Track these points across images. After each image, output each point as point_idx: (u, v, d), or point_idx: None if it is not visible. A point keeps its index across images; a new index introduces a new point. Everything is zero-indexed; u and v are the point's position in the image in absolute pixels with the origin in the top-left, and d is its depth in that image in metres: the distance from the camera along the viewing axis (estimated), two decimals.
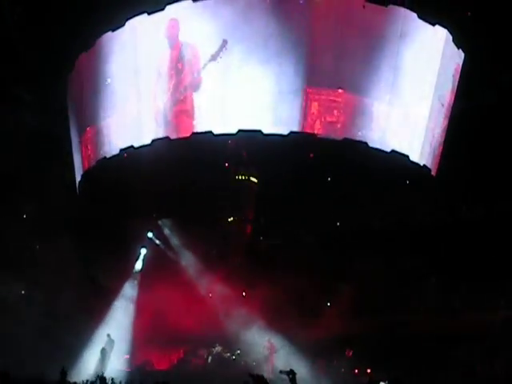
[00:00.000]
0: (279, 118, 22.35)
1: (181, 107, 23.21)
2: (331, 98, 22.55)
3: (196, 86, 22.86)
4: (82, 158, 26.71)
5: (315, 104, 22.48)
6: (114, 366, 28.86)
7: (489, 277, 27.96)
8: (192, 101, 22.99)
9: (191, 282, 32.40)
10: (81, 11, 24.43)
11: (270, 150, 24.29)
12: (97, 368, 27.74)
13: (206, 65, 22.47)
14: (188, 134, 23.05)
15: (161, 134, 23.61)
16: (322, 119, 22.55)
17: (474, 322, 27.89)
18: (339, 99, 22.63)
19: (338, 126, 22.72)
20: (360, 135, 22.84)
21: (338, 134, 22.64)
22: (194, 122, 23.00)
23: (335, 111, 22.64)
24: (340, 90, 22.56)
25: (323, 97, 22.50)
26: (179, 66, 23.14)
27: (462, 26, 24.38)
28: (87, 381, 22.19)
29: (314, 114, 22.49)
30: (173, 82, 23.30)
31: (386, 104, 23.24)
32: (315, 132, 22.50)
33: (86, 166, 26.41)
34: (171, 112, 23.35)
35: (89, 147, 26.14)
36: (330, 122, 22.64)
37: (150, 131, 23.93)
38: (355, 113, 22.84)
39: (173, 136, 23.38)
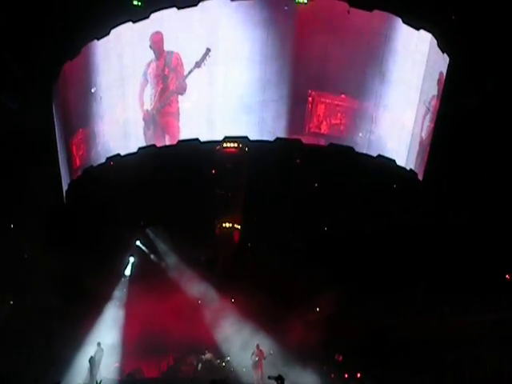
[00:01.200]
0: (265, 124, 22.47)
1: (167, 110, 23.65)
2: (335, 102, 23.09)
3: (181, 91, 23.21)
4: (73, 157, 26.73)
5: (321, 106, 23.05)
6: (104, 375, 28.75)
7: (477, 280, 27.98)
8: (178, 104, 23.45)
9: (180, 289, 32.30)
10: (66, 19, 24.37)
11: (256, 156, 24.44)
12: (86, 377, 27.59)
13: (190, 72, 22.72)
14: (175, 138, 23.36)
15: (149, 137, 23.82)
16: (328, 121, 23.09)
17: (463, 326, 27.94)
18: (342, 103, 23.08)
19: (342, 127, 23.35)
20: (361, 136, 23.41)
21: (342, 135, 23.31)
22: (180, 124, 23.42)
23: (339, 114, 23.16)
24: (343, 95, 22.89)
25: (328, 100, 23.01)
26: (166, 72, 23.41)
27: (447, 31, 24.44)
28: None
29: (320, 115, 23.02)
30: (160, 87, 23.62)
31: (372, 108, 23.43)
32: (322, 132, 22.98)
33: (78, 164, 26.45)
34: (159, 114, 23.78)
35: (81, 147, 26.23)
36: (335, 124, 23.22)
37: (137, 139, 24.03)
38: (356, 116, 23.46)
39: (160, 140, 23.71)
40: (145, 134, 23.98)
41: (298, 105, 22.75)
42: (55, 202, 28.52)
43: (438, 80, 25.38)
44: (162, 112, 23.64)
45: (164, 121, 23.67)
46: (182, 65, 22.98)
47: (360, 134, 23.42)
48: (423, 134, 25.68)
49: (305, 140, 22.88)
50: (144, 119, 23.93)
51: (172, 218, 30.14)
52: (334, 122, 23.14)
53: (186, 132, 23.26)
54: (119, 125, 24.61)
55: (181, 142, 23.19)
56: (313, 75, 22.81)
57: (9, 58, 26.26)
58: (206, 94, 22.88)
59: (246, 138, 22.79)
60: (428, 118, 25.62)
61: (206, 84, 22.77)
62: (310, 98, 22.72)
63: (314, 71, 22.77)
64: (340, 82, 23.13)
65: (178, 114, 23.34)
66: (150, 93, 23.80)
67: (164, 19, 22.93)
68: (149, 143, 23.85)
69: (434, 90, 25.34)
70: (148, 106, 23.87)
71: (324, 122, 22.97)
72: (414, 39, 23.93)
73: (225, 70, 22.59)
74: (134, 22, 23.38)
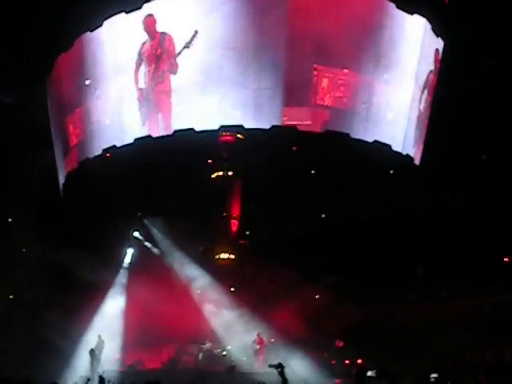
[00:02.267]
0: (260, 112, 22.50)
1: (160, 87, 23.62)
2: (338, 76, 23.16)
3: (173, 70, 23.24)
4: (69, 137, 26.68)
5: (326, 80, 23.07)
6: (105, 367, 28.90)
7: (476, 264, 28.03)
8: (169, 82, 23.43)
9: (179, 279, 32.41)
10: (58, 12, 24.29)
11: (253, 144, 24.47)
12: (87, 369, 27.65)
13: (181, 52, 22.72)
14: (168, 116, 23.53)
15: (143, 116, 23.93)
16: (332, 94, 23.22)
17: (461, 310, 27.98)
18: (345, 77, 23.21)
19: (345, 100, 23.47)
20: (363, 107, 23.59)
21: (345, 107, 23.41)
22: (172, 100, 23.39)
23: (342, 88, 23.30)
24: (345, 70, 23.13)
25: (332, 75, 23.04)
26: (158, 52, 23.45)
27: (441, 15, 24.39)
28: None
29: (324, 88, 23.10)
30: (153, 66, 23.57)
31: (371, 82, 23.57)
32: (326, 104, 23.11)
33: (75, 142, 26.40)
34: (152, 92, 23.73)
35: (77, 125, 26.19)
36: (338, 97, 23.38)
37: (133, 129, 24.02)
38: (357, 88, 23.52)
39: (154, 118, 23.81)
40: (140, 112, 24.00)
41: (301, 81, 22.77)
42: (52, 194, 28.50)
43: (433, 63, 25.34)
44: (156, 90, 23.69)
45: (157, 98, 23.72)
46: (173, 45, 23.06)
47: (362, 105, 23.58)
48: (419, 120, 25.63)
49: (302, 127, 22.93)
50: (138, 99, 23.98)
51: (170, 208, 30.17)
52: (337, 94, 23.30)
53: (178, 111, 23.31)
54: (114, 115, 24.60)
55: (176, 131, 23.17)
56: (314, 52, 22.80)
57: (1, 52, 26.15)
58: (197, 82, 22.91)
59: (241, 126, 22.77)
60: (423, 103, 25.58)
61: (198, 72, 22.77)
62: (316, 72, 22.81)
63: (314, 50, 22.75)
64: (341, 58, 23.19)
65: (171, 91, 23.42)
66: (144, 71, 23.85)
67: (157, 8, 22.93)
68: (143, 124, 23.86)
69: (429, 73, 25.34)
70: (142, 84, 23.91)
71: (328, 95, 23.12)
72: (408, 24, 23.85)
73: (217, 59, 22.58)
74: (127, 12, 23.33)
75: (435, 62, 25.56)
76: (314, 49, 22.70)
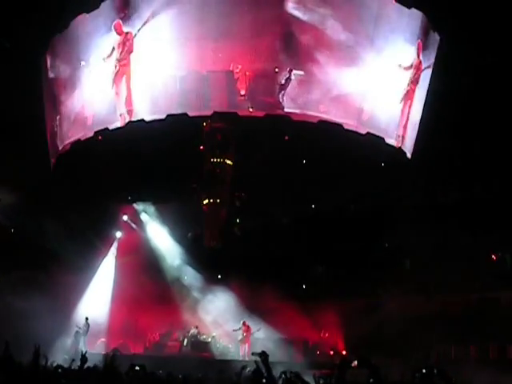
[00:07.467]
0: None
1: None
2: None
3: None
4: (61, 128, 26.66)
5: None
6: (89, 349, 28.81)
7: (463, 259, 28.08)
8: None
9: (167, 265, 32.43)
10: None
11: (245, 131, 24.48)
12: (71, 351, 27.59)
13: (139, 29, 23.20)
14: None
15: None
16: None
17: (448, 304, 28.06)
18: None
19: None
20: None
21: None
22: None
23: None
24: None
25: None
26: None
27: (439, 9, 24.33)
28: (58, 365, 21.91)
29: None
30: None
31: (362, 86, 23.39)
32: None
33: (68, 123, 26.40)
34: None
35: (71, 106, 26.21)
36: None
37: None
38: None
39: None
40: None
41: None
42: (42, 175, 28.41)
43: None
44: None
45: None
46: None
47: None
48: (413, 114, 25.59)
49: (294, 116, 22.87)
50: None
51: (160, 193, 30.15)
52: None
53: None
54: (108, 99, 24.51)
55: (169, 116, 23.10)
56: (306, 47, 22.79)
57: None
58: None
59: (235, 113, 22.75)
60: (417, 97, 25.47)
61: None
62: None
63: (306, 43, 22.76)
64: (326, 61, 23.07)
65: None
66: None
67: None
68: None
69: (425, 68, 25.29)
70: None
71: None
72: (405, 18, 23.75)
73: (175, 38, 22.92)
74: None
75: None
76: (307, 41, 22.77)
